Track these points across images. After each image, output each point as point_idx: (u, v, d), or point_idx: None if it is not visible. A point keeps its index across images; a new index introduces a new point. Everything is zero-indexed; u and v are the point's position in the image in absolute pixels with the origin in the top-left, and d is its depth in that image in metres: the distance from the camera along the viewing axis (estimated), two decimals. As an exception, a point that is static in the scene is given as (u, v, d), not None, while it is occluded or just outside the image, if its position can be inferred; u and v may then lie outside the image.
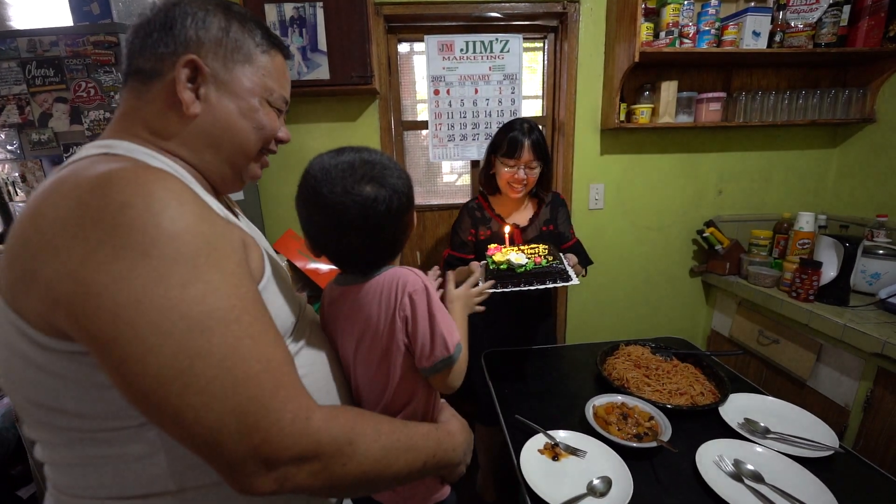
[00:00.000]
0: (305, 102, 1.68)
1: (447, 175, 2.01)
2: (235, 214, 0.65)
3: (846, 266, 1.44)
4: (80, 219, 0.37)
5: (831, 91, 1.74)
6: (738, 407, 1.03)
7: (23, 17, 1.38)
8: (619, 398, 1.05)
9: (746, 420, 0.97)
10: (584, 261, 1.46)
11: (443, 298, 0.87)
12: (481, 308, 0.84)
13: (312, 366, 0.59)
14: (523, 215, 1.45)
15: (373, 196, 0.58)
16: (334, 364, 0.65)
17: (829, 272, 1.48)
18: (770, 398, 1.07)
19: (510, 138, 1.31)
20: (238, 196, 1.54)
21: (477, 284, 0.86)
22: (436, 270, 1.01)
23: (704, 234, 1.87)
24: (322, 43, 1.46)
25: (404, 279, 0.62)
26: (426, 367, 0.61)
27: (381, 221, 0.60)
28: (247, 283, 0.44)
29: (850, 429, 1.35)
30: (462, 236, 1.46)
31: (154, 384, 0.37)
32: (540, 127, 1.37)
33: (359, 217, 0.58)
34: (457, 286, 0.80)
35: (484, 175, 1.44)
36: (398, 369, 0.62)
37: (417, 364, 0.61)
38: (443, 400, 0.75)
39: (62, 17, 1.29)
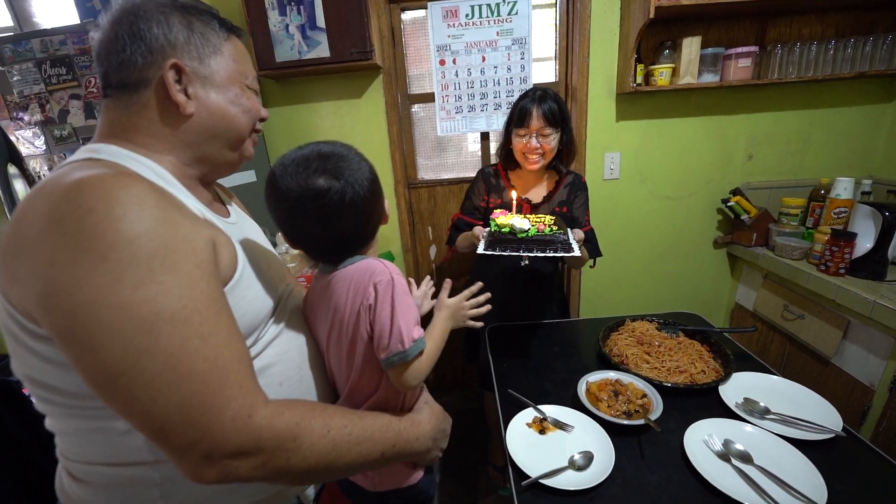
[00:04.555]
0: (310, 82, 1.68)
1: (471, 144, 1.95)
2: (225, 206, 0.68)
3: (884, 237, 1.31)
4: (51, 223, 0.42)
5: (888, 36, 1.52)
6: (740, 386, 0.99)
7: (41, 16, 1.45)
8: (613, 375, 1.04)
9: (746, 400, 0.94)
10: (594, 251, 1.40)
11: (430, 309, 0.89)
12: (476, 324, 0.85)
13: (286, 353, 0.63)
14: (538, 192, 1.40)
15: (325, 187, 0.59)
16: (312, 349, 0.68)
17: (865, 244, 1.36)
18: (778, 378, 1.02)
19: (520, 107, 1.27)
20: (251, 178, 1.60)
21: (474, 296, 0.86)
22: (428, 281, 1.02)
23: (730, 203, 1.76)
24: (320, 20, 1.43)
25: (372, 269, 0.63)
26: (382, 358, 0.62)
27: (337, 212, 0.61)
28: (204, 284, 0.47)
29: (874, 409, 1.28)
30: (475, 200, 1.44)
31: (105, 377, 0.41)
32: (555, 91, 1.30)
33: (314, 208, 0.59)
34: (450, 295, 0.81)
35: (503, 148, 1.39)
36: (361, 360, 0.64)
37: (376, 354, 0.63)
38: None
39: (71, 14, 1.34)
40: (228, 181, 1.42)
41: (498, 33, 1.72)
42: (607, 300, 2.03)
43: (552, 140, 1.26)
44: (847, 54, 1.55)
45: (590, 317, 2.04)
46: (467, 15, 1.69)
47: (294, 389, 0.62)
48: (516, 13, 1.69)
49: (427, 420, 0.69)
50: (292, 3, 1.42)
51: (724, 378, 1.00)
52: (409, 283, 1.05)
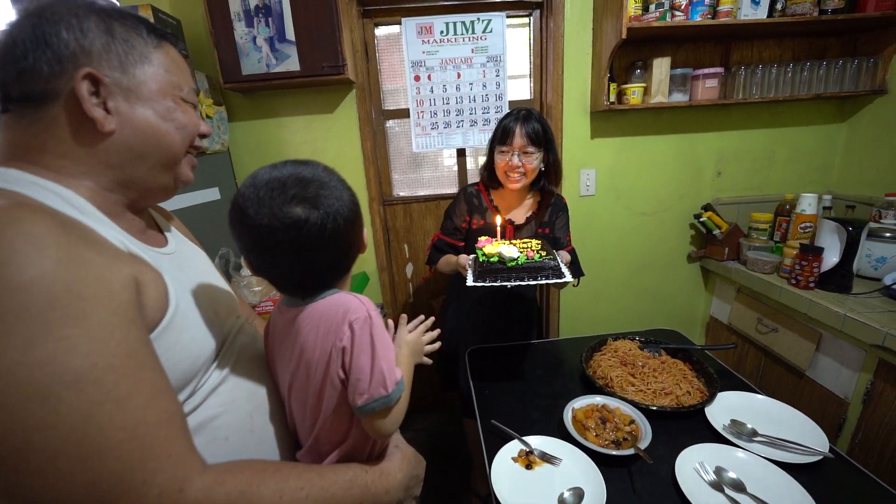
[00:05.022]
0: (279, 96, 1.62)
1: (447, 160, 1.92)
2: (163, 233, 0.61)
3: (849, 251, 1.36)
4: None
5: (839, 62, 1.62)
6: (725, 406, 0.98)
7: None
8: (600, 400, 1.01)
9: (733, 421, 0.93)
10: (577, 271, 1.39)
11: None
12: (427, 360, 0.79)
13: (234, 401, 0.55)
14: (521, 213, 1.38)
15: (303, 218, 0.52)
16: (269, 393, 0.61)
17: (832, 258, 1.40)
18: (761, 397, 1.02)
19: (504, 125, 1.27)
20: (214, 196, 1.50)
21: (431, 329, 0.81)
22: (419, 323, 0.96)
23: (701, 219, 1.79)
24: (290, 32, 1.38)
25: (346, 306, 0.56)
26: (359, 405, 0.55)
27: (314, 245, 0.54)
28: (121, 334, 0.39)
29: (849, 421, 1.30)
30: (456, 221, 1.40)
31: None
32: (539, 112, 1.30)
33: (287, 241, 0.53)
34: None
35: (486, 168, 1.37)
36: (331, 405, 0.57)
37: (350, 401, 0.56)
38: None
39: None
40: (190, 199, 1.32)
41: (473, 50, 1.71)
42: (587, 316, 2.02)
43: (534, 159, 1.25)
44: (804, 77, 1.63)
45: (570, 333, 2.03)
46: (442, 32, 1.68)
47: (244, 443, 0.54)
48: (490, 31, 1.69)
49: (398, 468, 0.62)
50: (260, 15, 1.36)
51: (710, 399, 0.99)
52: (400, 320, 0.98)
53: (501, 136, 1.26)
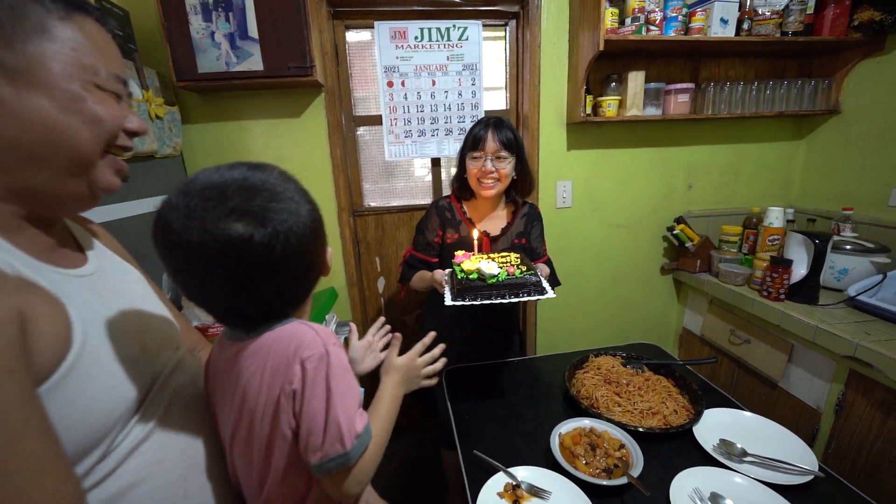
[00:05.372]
0: (241, 97, 1.51)
1: (418, 170, 1.85)
2: (83, 251, 0.50)
3: (816, 263, 1.39)
4: None
5: (797, 82, 1.70)
6: (713, 425, 0.97)
7: None
8: (588, 423, 0.96)
9: (722, 441, 0.91)
10: (554, 281, 1.36)
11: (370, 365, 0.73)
12: (431, 381, 0.71)
13: (162, 460, 0.45)
14: (495, 224, 1.34)
15: (244, 237, 0.42)
16: (211, 447, 0.50)
17: (800, 270, 1.44)
18: (746, 413, 1.01)
19: (475, 132, 1.24)
20: (164, 204, 1.36)
21: (427, 350, 0.72)
22: (377, 329, 0.88)
23: (675, 231, 1.82)
24: (252, 29, 1.28)
25: (299, 341, 0.47)
26: (313, 463, 0.46)
27: (258, 271, 0.44)
28: None
29: (822, 431, 1.32)
30: (428, 236, 1.34)
31: None
32: (509, 120, 1.28)
33: (222, 265, 0.43)
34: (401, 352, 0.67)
35: (458, 179, 1.33)
36: (283, 462, 0.47)
37: (303, 457, 0.47)
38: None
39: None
40: (134, 209, 1.18)
41: (448, 58, 1.67)
42: (564, 330, 2.00)
43: (507, 165, 1.23)
44: (767, 95, 1.70)
45: (548, 347, 1.99)
46: (416, 37, 1.63)
47: None
48: (466, 39, 1.66)
49: None
50: (220, 9, 1.26)
51: (697, 417, 0.97)
52: (350, 330, 0.89)
53: (473, 143, 1.23)
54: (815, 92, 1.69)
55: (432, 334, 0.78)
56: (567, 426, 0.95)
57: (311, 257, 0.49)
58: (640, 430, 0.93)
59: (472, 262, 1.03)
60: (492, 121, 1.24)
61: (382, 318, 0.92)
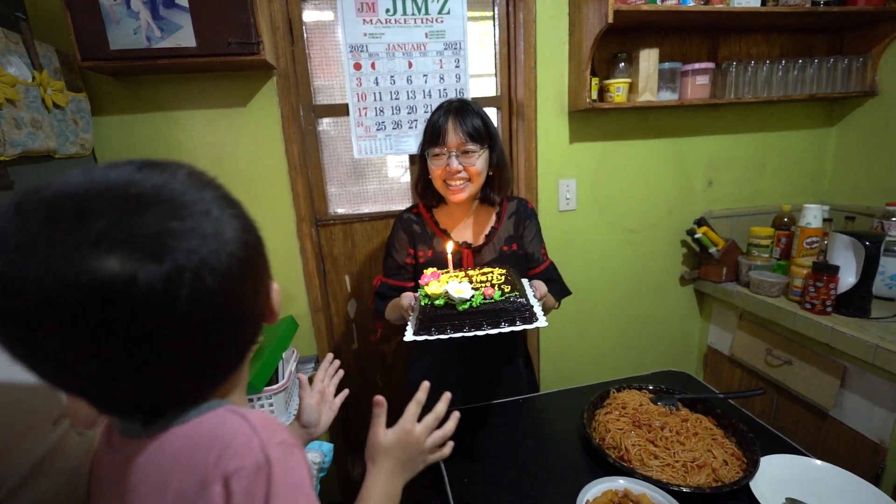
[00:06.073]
0: (169, 81, 1.36)
1: (393, 169, 1.74)
2: None
3: (868, 269, 1.33)
4: None
5: (829, 60, 1.66)
6: (773, 479, 0.88)
7: None
8: (622, 483, 0.85)
9: (789, 501, 0.80)
10: (560, 291, 1.26)
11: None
12: (443, 453, 0.60)
13: None
14: (477, 231, 1.22)
15: (122, 279, 0.29)
16: None
17: (848, 277, 1.37)
18: (812, 460, 0.91)
19: (432, 123, 1.11)
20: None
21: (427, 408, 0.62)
22: (326, 367, 0.82)
23: (696, 236, 1.74)
24: (181, -5, 1.15)
25: (222, 444, 0.34)
26: None
27: (152, 334, 0.31)
28: None
29: (888, 471, 1.24)
30: (398, 258, 1.23)
31: None
32: (476, 103, 1.14)
33: (87, 329, 0.29)
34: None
35: (421, 181, 1.20)
36: None
37: None
38: None
39: None
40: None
41: (427, 35, 1.57)
42: (571, 354, 1.89)
43: (477, 160, 1.10)
44: (795, 76, 1.65)
45: (553, 378, 1.88)
46: (388, 10, 1.52)
47: None
48: (448, 12, 1.56)
49: None
50: (137, -30, 1.12)
51: (752, 469, 0.87)
52: (300, 385, 0.76)
53: (432, 137, 1.10)
54: (848, 71, 1.66)
55: (426, 385, 0.65)
56: (594, 489, 0.84)
57: (243, 303, 0.37)
58: (685, 490, 0.82)
59: (441, 284, 0.91)
60: (453, 105, 1.11)
61: (331, 355, 0.86)
